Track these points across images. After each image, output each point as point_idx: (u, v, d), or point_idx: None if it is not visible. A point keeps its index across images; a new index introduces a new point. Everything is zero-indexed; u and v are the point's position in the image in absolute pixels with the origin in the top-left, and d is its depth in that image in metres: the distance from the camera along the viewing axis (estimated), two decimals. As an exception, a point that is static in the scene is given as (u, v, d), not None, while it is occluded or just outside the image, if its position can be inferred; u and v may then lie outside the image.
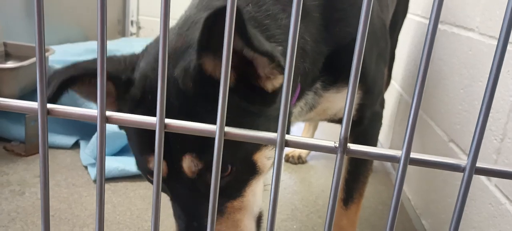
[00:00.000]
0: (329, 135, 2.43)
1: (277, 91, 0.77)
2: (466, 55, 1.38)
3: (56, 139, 2.04)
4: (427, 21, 1.92)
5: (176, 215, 0.83)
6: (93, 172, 1.82)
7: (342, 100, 1.10)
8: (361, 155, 0.41)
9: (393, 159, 0.41)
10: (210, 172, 0.72)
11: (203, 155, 0.73)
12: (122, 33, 3.71)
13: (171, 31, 0.86)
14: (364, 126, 1.18)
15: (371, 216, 1.69)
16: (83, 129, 2.08)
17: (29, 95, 1.98)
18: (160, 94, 0.39)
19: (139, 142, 0.81)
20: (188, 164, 0.74)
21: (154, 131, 0.66)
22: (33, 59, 1.87)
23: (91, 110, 0.42)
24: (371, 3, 0.36)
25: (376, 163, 2.08)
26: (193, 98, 0.74)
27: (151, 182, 0.73)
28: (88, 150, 1.94)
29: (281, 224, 1.58)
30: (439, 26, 1.63)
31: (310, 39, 0.98)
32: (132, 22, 3.74)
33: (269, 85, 0.76)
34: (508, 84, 1.08)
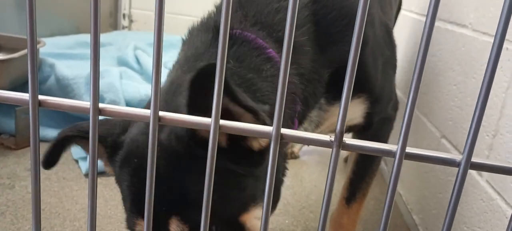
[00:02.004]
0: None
1: (263, 151, 0.76)
2: (460, 52, 1.38)
3: (47, 132, 2.02)
4: (421, 18, 1.93)
5: None
6: (84, 166, 1.80)
7: (349, 112, 1.07)
8: (356, 149, 0.41)
9: (388, 153, 0.40)
10: None
11: (188, 216, 0.72)
12: (114, 26, 3.68)
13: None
14: (373, 130, 1.18)
15: (363, 212, 1.69)
16: (74, 122, 2.06)
17: (20, 87, 1.95)
18: (154, 87, 0.39)
19: (131, 200, 0.80)
20: (174, 228, 0.73)
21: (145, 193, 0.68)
22: (24, 51, 1.85)
23: (83, 102, 0.42)
24: (365, 15, 0.36)
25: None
26: (185, 161, 0.73)
27: None
28: (80, 143, 1.92)
29: (273, 219, 1.59)
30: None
31: (304, 73, 0.97)
32: (124, 15, 3.71)
33: (256, 144, 0.75)
34: (501, 80, 1.09)
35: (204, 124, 0.41)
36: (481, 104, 0.38)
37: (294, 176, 1.96)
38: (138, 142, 0.79)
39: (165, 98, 0.83)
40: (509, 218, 0.44)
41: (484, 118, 1.14)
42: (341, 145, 0.40)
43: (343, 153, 1.97)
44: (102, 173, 1.73)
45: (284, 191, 1.81)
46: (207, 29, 0.95)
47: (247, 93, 0.81)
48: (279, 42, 0.94)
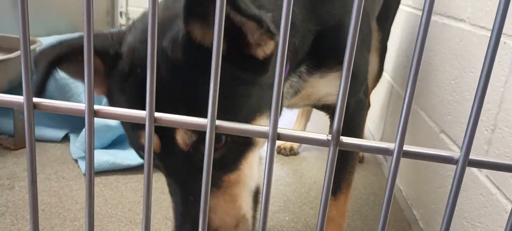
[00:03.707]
0: (321, 127, 2.43)
1: (268, 59, 0.75)
2: (457, 46, 1.38)
3: (46, 132, 2.01)
4: (418, 12, 1.92)
5: (171, 191, 0.81)
6: (83, 165, 1.80)
7: (326, 86, 1.09)
8: (354, 148, 0.41)
9: (386, 152, 0.40)
10: (202, 145, 0.69)
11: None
12: (111, 24, 3.67)
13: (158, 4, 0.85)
14: (349, 114, 1.16)
15: (363, 207, 1.70)
16: (73, 121, 2.06)
17: (19, 87, 1.95)
18: (149, 87, 0.39)
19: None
20: (182, 136, 0.72)
21: (159, 104, 0.67)
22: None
23: (79, 104, 0.41)
24: (361, 11, 0.36)
25: (367, 153, 2.08)
26: (183, 68, 0.72)
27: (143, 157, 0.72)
28: (78, 143, 1.92)
29: (273, 216, 1.58)
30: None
31: (299, 14, 0.96)
32: (121, 13, 3.70)
33: (260, 52, 0.74)
34: (499, 75, 1.09)
35: (200, 124, 0.40)
36: (479, 101, 0.38)
37: (294, 172, 1.96)
38: (138, 51, 0.77)
39: (165, 4, 0.82)
40: (509, 213, 0.43)
41: (483, 112, 1.14)
42: (339, 144, 0.40)
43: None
44: (101, 172, 1.74)
45: (284, 187, 1.81)
46: None
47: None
48: None
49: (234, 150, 0.78)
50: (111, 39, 0.82)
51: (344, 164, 1.23)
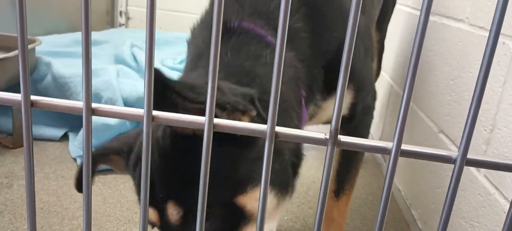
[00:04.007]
0: (320, 126, 2.43)
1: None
2: (456, 46, 1.38)
3: (45, 130, 2.01)
4: (417, 12, 1.92)
5: None
6: (82, 164, 1.80)
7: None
8: (351, 147, 0.41)
9: (384, 151, 0.40)
10: (192, 218, 0.73)
11: (184, 200, 0.75)
12: (111, 23, 3.67)
13: None
14: (356, 121, 1.18)
15: (361, 207, 1.70)
16: (72, 120, 2.06)
17: (17, 86, 1.95)
18: (147, 86, 0.39)
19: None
20: (171, 211, 0.76)
21: (155, 184, 0.76)
22: (19, 50, 1.84)
23: (76, 102, 0.41)
24: (359, 9, 0.36)
25: (366, 153, 2.08)
26: (172, 154, 0.78)
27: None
28: (77, 142, 1.92)
29: (272, 215, 1.59)
30: (429, 17, 1.63)
31: (304, 60, 0.98)
32: (121, 12, 3.70)
33: None
34: (498, 75, 1.09)
35: (198, 122, 0.40)
36: (477, 101, 0.38)
37: (293, 172, 1.96)
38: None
39: None
40: (506, 213, 0.43)
41: (481, 112, 1.14)
42: (336, 143, 0.40)
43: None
44: (101, 171, 1.74)
45: (283, 187, 1.81)
46: (206, 26, 0.97)
47: (244, 79, 0.84)
48: (276, 30, 0.95)
49: (226, 226, 0.77)
50: (132, 138, 0.93)
51: (349, 165, 1.24)
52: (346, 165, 1.23)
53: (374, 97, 1.28)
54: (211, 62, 0.38)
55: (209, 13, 1.02)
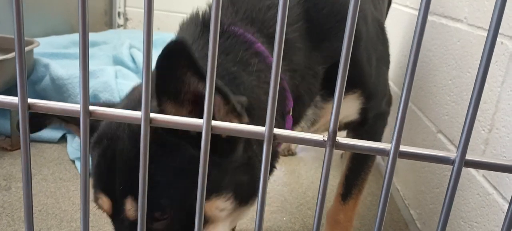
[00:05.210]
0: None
1: (233, 141, 0.75)
2: (455, 46, 1.38)
3: (43, 132, 2.00)
4: (416, 12, 1.92)
5: None
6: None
7: (345, 109, 1.10)
8: (349, 149, 0.41)
9: (382, 152, 0.40)
10: (149, 216, 0.70)
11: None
12: (109, 24, 3.66)
13: None
14: (368, 126, 1.19)
15: (360, 207, 1.70)
16: (71, 122, 2.05)
17: (15, 88, 1.94)
18: (144, 87, 0.38)
19: (97, 177, 0.81)
20: (129, 206, 0.74)
21: (109, 172, 0.74)
22: (17, 52, 1.83)
23: (73, 104, 0.41)
24: (357, 11, 0.35)
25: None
26: (154, 146, 0.75)
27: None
28: (76, 143, 1.91)
29: (270, 216, 1.58)
30: (428, 17, 1.63)
31: (296, 72, 0.98)
32: (119, 13, 3.70)
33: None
34: (496, 75, 1.09)
35: (195, 125, 0.40)
36: (475, 101, 0.38)
37: (291, 172, 1.96)
38: (110, 124, 0.80)
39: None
40: (505, 213, 0.43)
41: (480, 112, 1.14)
42: (335, 144, 0.40)
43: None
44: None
45: (281, 188, 1.80)
46: (195, 23, 0.96)
47: (230, 85, 0.81)
48: (270, 38, 0.94)
49: (182, 228, 0.75)
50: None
51: (358, 170, 1.24)
52: (356, 170, 1.24)
53: (389, 103, 1.27)
54: (209, 63, 0.38)
55: (199, 13, 1.01)
